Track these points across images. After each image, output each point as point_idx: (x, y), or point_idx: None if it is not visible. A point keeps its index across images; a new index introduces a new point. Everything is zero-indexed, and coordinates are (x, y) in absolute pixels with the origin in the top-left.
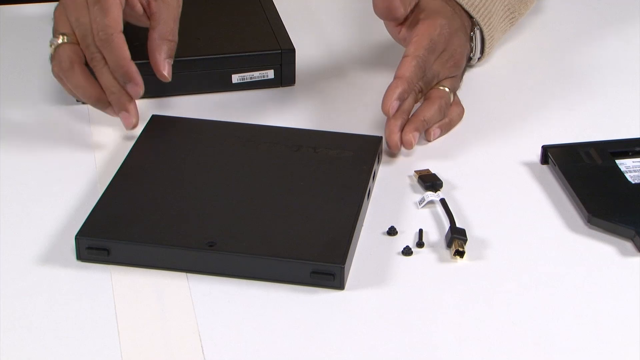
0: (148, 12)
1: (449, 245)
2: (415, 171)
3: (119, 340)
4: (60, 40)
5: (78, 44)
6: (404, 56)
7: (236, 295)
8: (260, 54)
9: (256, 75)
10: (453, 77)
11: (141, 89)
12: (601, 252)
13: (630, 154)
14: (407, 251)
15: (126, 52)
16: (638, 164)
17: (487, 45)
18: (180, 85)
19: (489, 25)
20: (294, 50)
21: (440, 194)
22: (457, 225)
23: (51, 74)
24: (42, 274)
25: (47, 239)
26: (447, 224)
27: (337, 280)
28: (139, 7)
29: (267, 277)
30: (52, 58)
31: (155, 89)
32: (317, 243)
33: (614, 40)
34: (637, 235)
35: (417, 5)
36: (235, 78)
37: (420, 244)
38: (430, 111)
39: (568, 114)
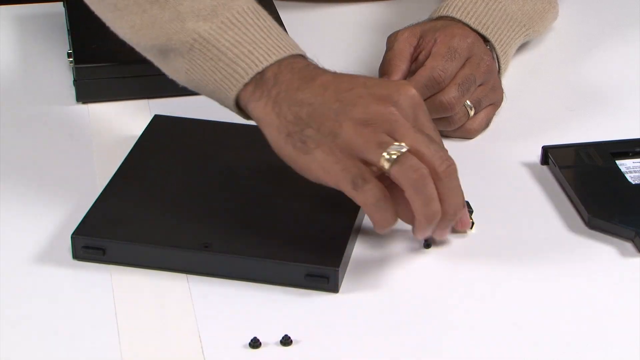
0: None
1: None
2: None
3: (119, 340)
4: (404, 149)
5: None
6: (422, 67)
7: (234, 296)
8: None
9: None
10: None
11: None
12: (601, 252)
13: (630, 154)
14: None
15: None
16: (638, 164)
17: (502, 61)
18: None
19: (500, 42)
20: None
21: None
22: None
23: (50, 74)
24: (38, 272)
25: (46, 238)
26: None
27: (332, 283)
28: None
29: (262, 278)
30: (393, 165)
31: (158, 89)
32: (313, 246)
33: (614, 41)
34: (637, 235)
35: (421, 36)
36: None
37: (427, 245)
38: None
39: (568, 115)
